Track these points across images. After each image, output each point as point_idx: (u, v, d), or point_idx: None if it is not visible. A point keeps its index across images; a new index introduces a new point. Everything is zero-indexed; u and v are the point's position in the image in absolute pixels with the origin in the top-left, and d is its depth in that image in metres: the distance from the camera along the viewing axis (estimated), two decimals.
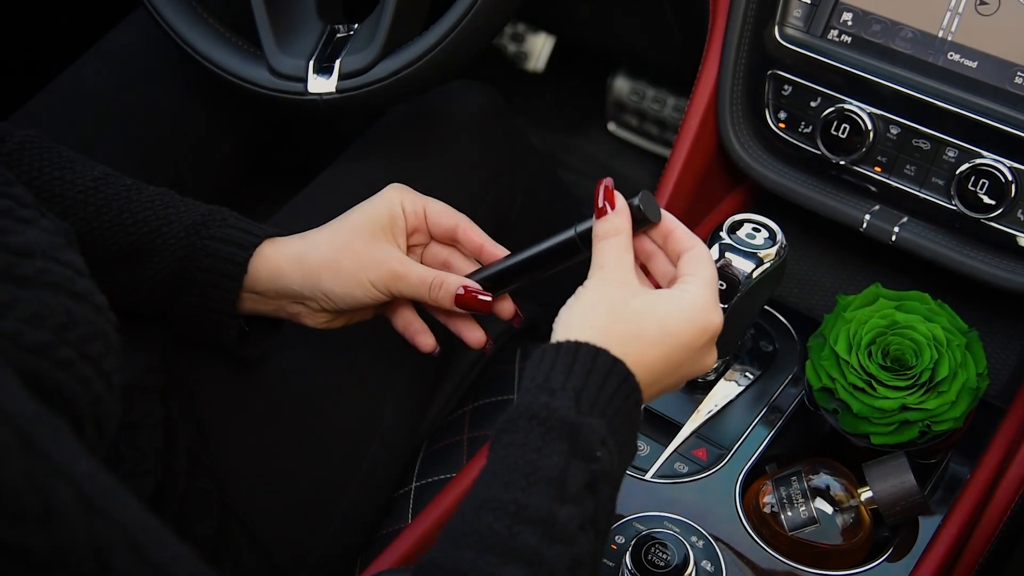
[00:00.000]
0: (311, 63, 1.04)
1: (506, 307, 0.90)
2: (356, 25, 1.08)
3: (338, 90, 1.03)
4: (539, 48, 1.97)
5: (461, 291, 0.86)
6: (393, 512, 1.09)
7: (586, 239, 0.81)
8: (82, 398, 0.55)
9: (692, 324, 0.73)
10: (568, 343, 0.70)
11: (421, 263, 0.90)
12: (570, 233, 0.82)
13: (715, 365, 0.99)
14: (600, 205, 0.77)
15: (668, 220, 0.79)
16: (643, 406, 0.73)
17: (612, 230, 0.76)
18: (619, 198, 0.77)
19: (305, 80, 1.04)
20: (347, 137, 1.26)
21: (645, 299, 0.73)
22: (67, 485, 0.45)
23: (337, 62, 1.03)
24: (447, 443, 1.15)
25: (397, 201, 0.89)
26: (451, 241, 0.91)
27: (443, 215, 0.90)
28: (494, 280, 0.88)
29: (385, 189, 0.91)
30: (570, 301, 0.75)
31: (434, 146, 1.18)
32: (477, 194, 1.18)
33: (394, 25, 1.01)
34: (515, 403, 0.68)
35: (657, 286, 0.80)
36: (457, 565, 0.60)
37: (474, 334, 0.91)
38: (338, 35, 1.08)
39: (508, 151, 1.23)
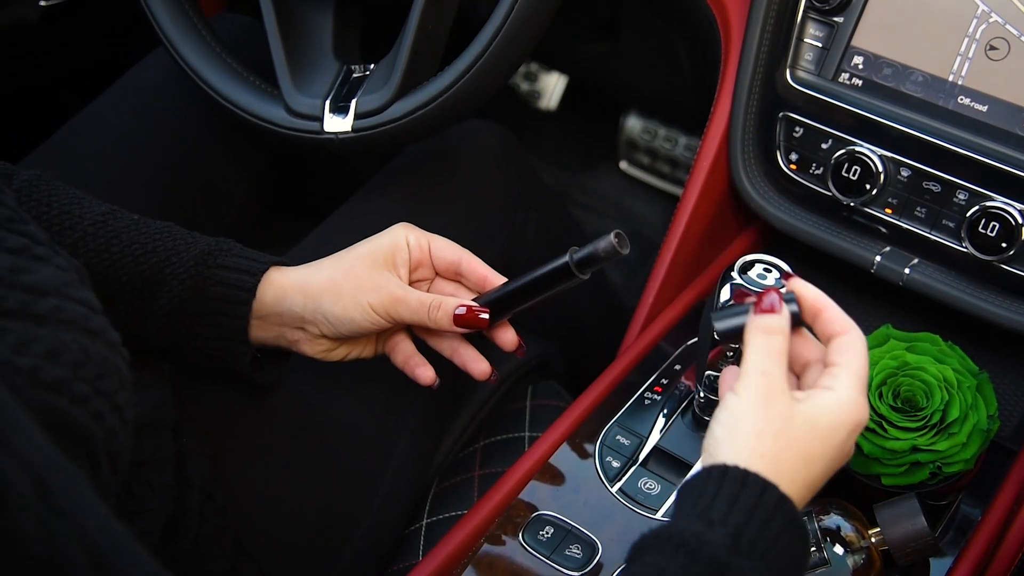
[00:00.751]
0: (327, 103, 1.06)
1: (508, 338, 0.92)
2: (372, 65, 1.10)
3: (354, 129, 1.05)
4: (552, 87, 1.99)
5: (461, 311, 0.88)
6: (404, 549, 1.09)
7: (581, 265, 0.83)
8: (97, 434, 0.56)
9: (847, 427, 0.69)
10: (736, 470, 0.65)
11: None
12: (565, 259, 0.84)
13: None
14: (766, 307, 0.72)
15: (818, 299, 0.74)
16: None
17: (776, 328, 0.71)
18: (785, 307, 0.72)
19: (321, 119, 1.06)
20: (361, 176, 1.28)
21: (806, 414, 0.69)
22: (79, 539, 0.45)
23: (353, 102, 1.05)
24: (458, 480, 1.15)
25: (402, 236, 0.91)
26: (455, 276, 0.93)
27: (447, 250, 0.92)
28: (493, 305, 0.90)
29: (393, 226, 0.93)
30: (724, 418, 0.69)
31: (447, 185, 1.19)
32: (490, 232, 1.19)
33: (410, 66, 1.03)
34: (670, 523, 0.65)
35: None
36: None
37: (479, 366, 0.93)
38: (354, 75, 1.10)
39: (521, 189, 1.25)
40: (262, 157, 1.30)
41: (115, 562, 0.47)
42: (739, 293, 0.74)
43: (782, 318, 0.71)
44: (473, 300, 0.90)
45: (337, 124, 1.05)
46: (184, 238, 0.92)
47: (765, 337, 0.70)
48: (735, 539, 0.62)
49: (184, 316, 0.90)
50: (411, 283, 0.92)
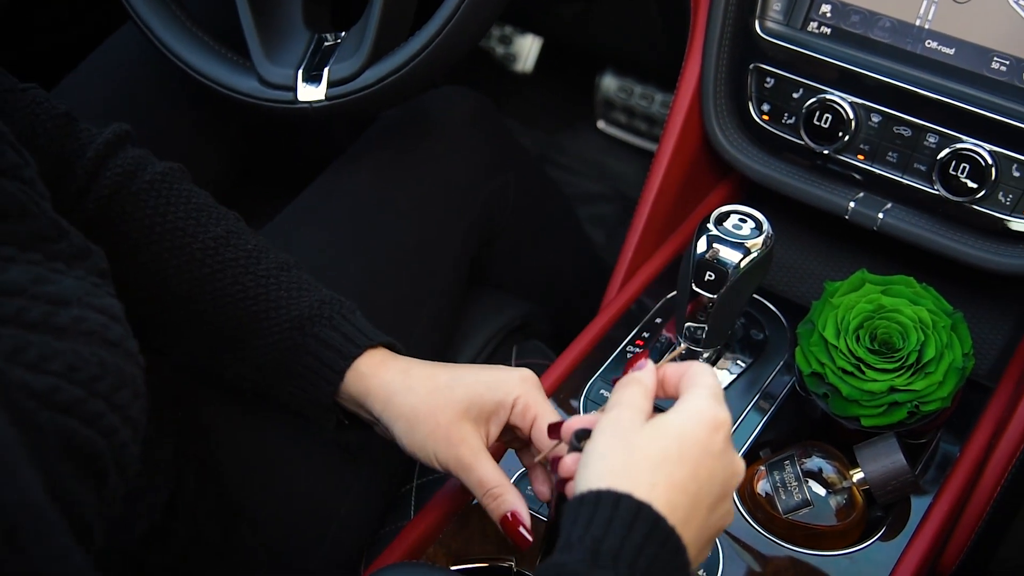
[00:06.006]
0: (300, 72, 1.06)
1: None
2: (343, 33, 1.10)
3: (327, 98, 1.05)
4: (527, 50, 1.99)
5: (509, 517, 0.83)
6: (396, 509, 1.11)
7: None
8: (106, 452, 0.56)
9: (702, 425, 0.69)
10: (589, 494, 0.65)
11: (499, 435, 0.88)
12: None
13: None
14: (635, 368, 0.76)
15: (656, 372, 0.76)
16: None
17: (636, 379, 0.74)
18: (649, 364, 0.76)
19: (294, 89, 1.06)
20: (337, 143, 1.28)
21: (654, 424, 0.69)
22: None
23: (325, 70, 1.05)
24: None
25: (510, 399, 0.85)
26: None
27: (540, 434, 0.84)
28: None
29: (518, 376, 0.87)
30: (583, 459, 0.69)
31: (425, 150, 1.20)
32: (469, 196, 1.20)
33: (380, 32, 1.03)
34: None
35: None
36: None
37: (542, 488, 0.88)
38: (325, 44, 1.10)
39: (499, 152, 1.25)
40: (236, 129, 1.30)
41: None
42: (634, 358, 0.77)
43: (643, 373, 0.74)
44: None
45: (310, 93, 1.05)
46: (289, 290, 0.88)
47: (624, 388, 0.73)
48: (593, 554, 0.62)
49: (269, 371, 0.89)
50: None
